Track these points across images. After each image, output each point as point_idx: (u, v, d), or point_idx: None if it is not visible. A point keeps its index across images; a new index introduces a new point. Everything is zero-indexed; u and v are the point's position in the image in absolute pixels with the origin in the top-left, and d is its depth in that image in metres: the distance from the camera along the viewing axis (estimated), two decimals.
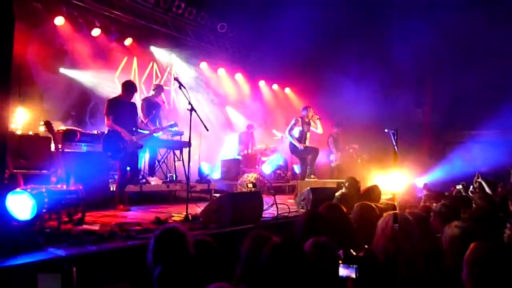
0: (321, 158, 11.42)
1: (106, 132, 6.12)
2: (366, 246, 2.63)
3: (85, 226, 4.35)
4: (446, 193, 6.27)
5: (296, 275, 2.23)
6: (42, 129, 6.89)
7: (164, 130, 7.52)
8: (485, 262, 2.05)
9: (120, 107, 6.16)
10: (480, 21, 10.49)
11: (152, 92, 8.11)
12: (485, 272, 2.04)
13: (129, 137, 6.13)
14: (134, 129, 6.33)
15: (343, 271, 2.05)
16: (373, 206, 3.75)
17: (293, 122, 8.66)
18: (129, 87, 6.33)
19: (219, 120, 12.04)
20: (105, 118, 6.09)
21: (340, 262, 2.07)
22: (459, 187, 7.40)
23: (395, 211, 2.73)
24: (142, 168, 7.71)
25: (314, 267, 2.32)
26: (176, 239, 2.49)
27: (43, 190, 3.88)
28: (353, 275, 2.02)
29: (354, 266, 2.03)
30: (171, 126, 7.15)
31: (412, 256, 2.43)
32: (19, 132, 6.96)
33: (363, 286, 2.03)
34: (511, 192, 5.36)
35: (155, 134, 7.05)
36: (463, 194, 6.29)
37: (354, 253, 2.10)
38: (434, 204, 4.24)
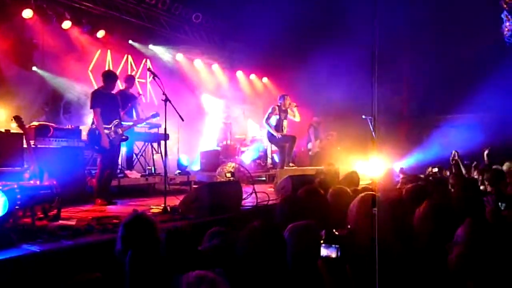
0: (300, 146, 11.51)
1: (90, 126, 6.02)
2: (349, 226, 2.65)
3: (61, 222, 4.28)
4: (421, 175, 6.38)
5: (274, 259, 2.23)
6: (14, 126, 6.74)
7: (146, 121, 7.42)
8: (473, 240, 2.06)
9: (105, 98, 6.07)
10: (452, 4, 10.66)
11: (124, 85, 7.99)
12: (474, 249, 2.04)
13: (105, 139, 5.99)
14: (118, 120, 6.25)
15: (324, 251, 2.04)
16: (347, 189, 3.80)
17: (270, 110, 8.66)
18: (109, 77, 6.24)
19: (197, 111, 11.94)
20: (93, 112, 5.97)
21: (322, 242, 2.06)
22: (435, 170, 7.55)
23: (368, 193, 2.76)
24: (120, 162, 7.62)
25: (296, 251, 2.32)
26: (144, 224, 2.48)
27: (15, 186, 3.79)
28: (334, 255, 2.02)
29: (336, 245, 2.03)
30: (153, 116, 7.07)
31: (384, 237, 2.46)
32: None
33: (345, 266, 2.04)
34: (484, 171, 5.48)
35: (137, 126, 6.98)
36: (438, 176, 6.42)
37: (337, 233, 2.10)
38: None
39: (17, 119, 4.69)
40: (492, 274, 1.96)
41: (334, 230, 2.16)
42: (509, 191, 4.58)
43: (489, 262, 1.99)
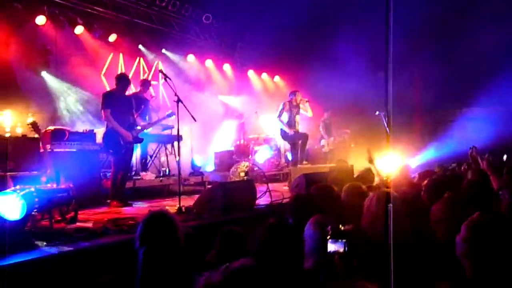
0: (314, 144, 11.47)
1: (105, 129, 6.10)
2: (358, 223, 2.65)
3: (78, 224, 4.35)
4: (436, 170, 6.29)
5: (290, 254, 2.24)
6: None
7: (162, 121, 7.47)
8: (485, 234, 2.04)
9: (116, 100, 6.13)
10: None
11: (139, 88, 8.06)
12: (485, 243, 2.02)
13: (127, 133, 6.11)
14: (132, 122, 6.32)
15: (331, 246, 2.05)
16: (361, 186, 3.77)
17: (281, 107, 8.62)
18: (122, 80, 6.30)
19: (209, 112, 11.99)
20: (102, 113, 6.06)
21: (329, 237, 2.07)
22: (454, 165, 7.43)
23: (384, 190, 2.74)
24: (134, 164, 7.69)
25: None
26: (163, 222, 2.49)
27: (32, 189, 3.86)
28: (341, 250, 2.03)
29: (343, 240, 2.03)
30: (169, 115, 7.11)
31: (400, 233, 2.45)
32: (7, 135, 6.90)
33: (352, 261, 2.04)
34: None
35: (146, 130, 7.02)
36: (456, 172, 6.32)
37: (343, 228, 2.10)
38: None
39: (33, 124, 4.77)
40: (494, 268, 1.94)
41: (340, 225, 2.16)
42: None
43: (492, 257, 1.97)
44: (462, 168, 7.13)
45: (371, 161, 5.67)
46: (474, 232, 2.05)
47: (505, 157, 7.09)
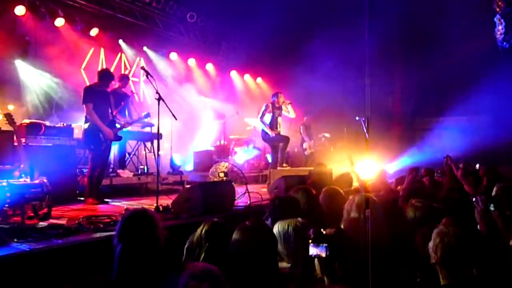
0: (294, 147, 11.52)
1: (86, 124, 5.97)
2: (342, 226, 2.66)
3: (51, 221, 4.25)
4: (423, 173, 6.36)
5: (265, 256, 2.23)
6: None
7: (138, 122, 7.38)
8: (452, 241, 2.07)
9: (98, 95, 6.04)
10: (446, 7, 10.71)
11: (117, 84, 7.94)
12: (453, 250, 2.06)
13: (108, 130, 6.02)
14: (112, 119, 6.25)
15: (313, 250, 2.05)
16: (339, 190, 3.80)
17: (263, 108, 8.62)
18: (105, 76, 6.21)
19: (190, 111, 11.91)
20: (84, 107, 5.95)
21: (310, 241, 2.07)
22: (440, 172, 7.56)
23: (363, 194, 2.77)
24: (112, 161, 7.57)
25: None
26: (144, 220, 2.45)
27: (5, 184, 3.75)
28: (323, 254, 2.03)
29: (324, 244, 2.03)
30: (145, 116, 7.04)
31: (378, 237, 2.47)
32: None
33: (333, 265, 2.04)
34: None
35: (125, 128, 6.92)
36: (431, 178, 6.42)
37: (324, 232, 2.10)
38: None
39: (7, 116, 4.64)
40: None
41: (322, 230, 2.16)
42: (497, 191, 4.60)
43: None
44: (435, 175, 7.26)
45: (351, 164, 5.73)
46: (442, 239, 2.08)
47: (477, 166, 7.27)
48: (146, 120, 7.33)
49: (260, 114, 8.58)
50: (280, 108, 8.70)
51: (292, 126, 10.80)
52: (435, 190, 4.35)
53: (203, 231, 2.58)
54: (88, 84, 8.48)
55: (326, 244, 2.03)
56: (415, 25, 11.52)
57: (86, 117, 6.01)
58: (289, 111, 8.82)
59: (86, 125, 5.97)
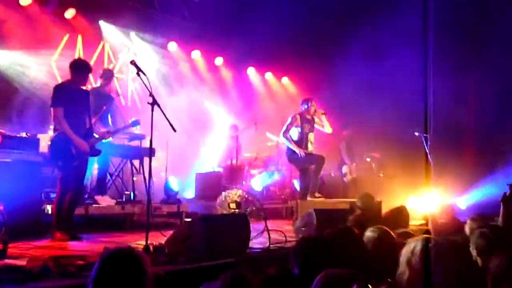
0: (331, 171, 11.46)
1: (53, 134, 6.06)
2: (389, 280, 2.64)
3: (7, 261, 4.30)
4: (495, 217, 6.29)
5: None
6: None
7: (124, 131, 7.46)
8: None
9: (71, 97, 6.14)
10: None
11: (99, 81, 8.06)
12: None
13: (81, 142, 6.09)
14: (89, 127, 6.34)
15: None
16: (388, 230, 3.77)
17: (289, 120, 8.62)
18: (79, 68, 6.30)
19: (193, 120, 12.01)
20: (52, 111, 6.04)
21: None
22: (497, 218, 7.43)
23: (427, 236, 2.75)
24: (89, 184, 7.65)
25: None
26: (129, 263, 2.46)
27: None
28: None
29: None
30: (133, 124, 7.12)
31: None
32: None
33: None
34: None
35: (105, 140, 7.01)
36: None
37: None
38: None
39: None
40: None
41: (369, 285, 2.16)
42: None
43: None
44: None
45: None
46: None
47: None
48: (134, 129, 7.41)
49: (284, 128, 8.58)
50: (312, 121, 8.68)
51: (327, 144, 10.76)
52: None
53: None
54: (60, 80, 8.64)
55: None
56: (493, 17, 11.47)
57: (54, 124, 6.10)
58: (323, 124, 8.80)
59: (54, 135, 6.06)
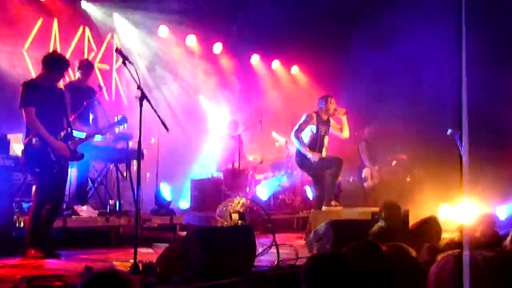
0: (349, 176, 11.46)
1: (28, 138, 6.08)
2: None
3: None
4: None
5: None
6: None
7: (109, 130, 7.48)
8: None
9: (45, 94, 6.15)
10: None
11: (78, 74, 8.07)
12: None
13: (60, 145, 6.10)
14: (69, 128, 6.33)
15: None
16: (405, 247, 3.76)
17: (303, 118, 8.48)
18: (55, 63, 6.31)
19: (188, 116, 12.03)
20: (23, 112, 6.04)
21: None
22: None
23: (457, 251, 2.74)
24: (67, 193, 7.66)
25: None
26: (113, 285, 2.47)
27: None
28: None
29: None
30: (119, 123, 7.13)
31: None
32: None
33: None
34: None
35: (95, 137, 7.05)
36: None
37: None
38: None
39: None
40: None
41: None
42: None
43: None
44: None
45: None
46: None
47: None
48: (120, 129, 7.42)
49: (297, 126, 8.45)
50: (327, 123, 8.56)
51: (345, 144, 10.73)
52: None
53: None
54: (33, 73, 8.67)
55: None
56: None
57: (27, 126, 6.12)
58: (342, 127, 8.66)
59: (28, 139, 6.07)
